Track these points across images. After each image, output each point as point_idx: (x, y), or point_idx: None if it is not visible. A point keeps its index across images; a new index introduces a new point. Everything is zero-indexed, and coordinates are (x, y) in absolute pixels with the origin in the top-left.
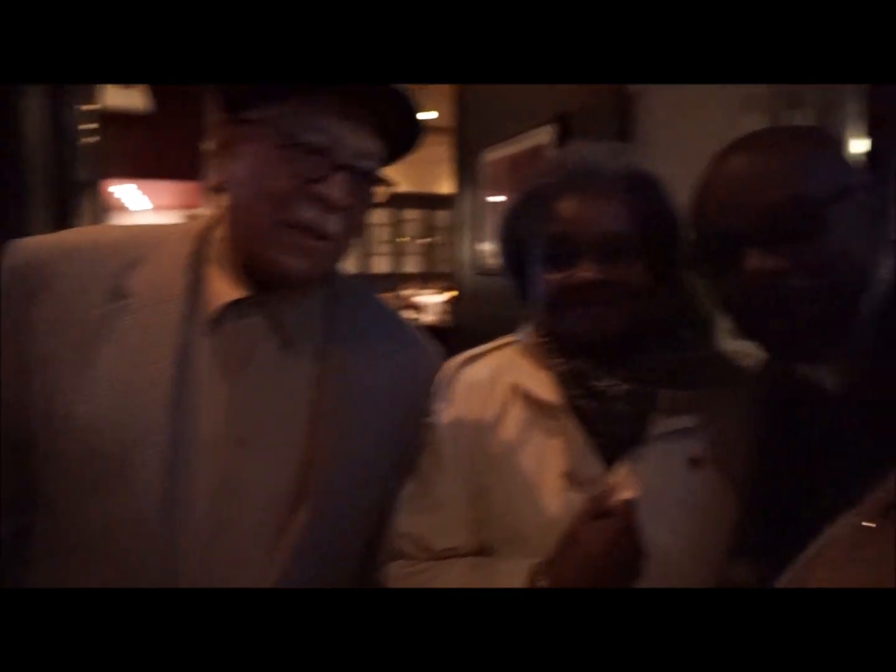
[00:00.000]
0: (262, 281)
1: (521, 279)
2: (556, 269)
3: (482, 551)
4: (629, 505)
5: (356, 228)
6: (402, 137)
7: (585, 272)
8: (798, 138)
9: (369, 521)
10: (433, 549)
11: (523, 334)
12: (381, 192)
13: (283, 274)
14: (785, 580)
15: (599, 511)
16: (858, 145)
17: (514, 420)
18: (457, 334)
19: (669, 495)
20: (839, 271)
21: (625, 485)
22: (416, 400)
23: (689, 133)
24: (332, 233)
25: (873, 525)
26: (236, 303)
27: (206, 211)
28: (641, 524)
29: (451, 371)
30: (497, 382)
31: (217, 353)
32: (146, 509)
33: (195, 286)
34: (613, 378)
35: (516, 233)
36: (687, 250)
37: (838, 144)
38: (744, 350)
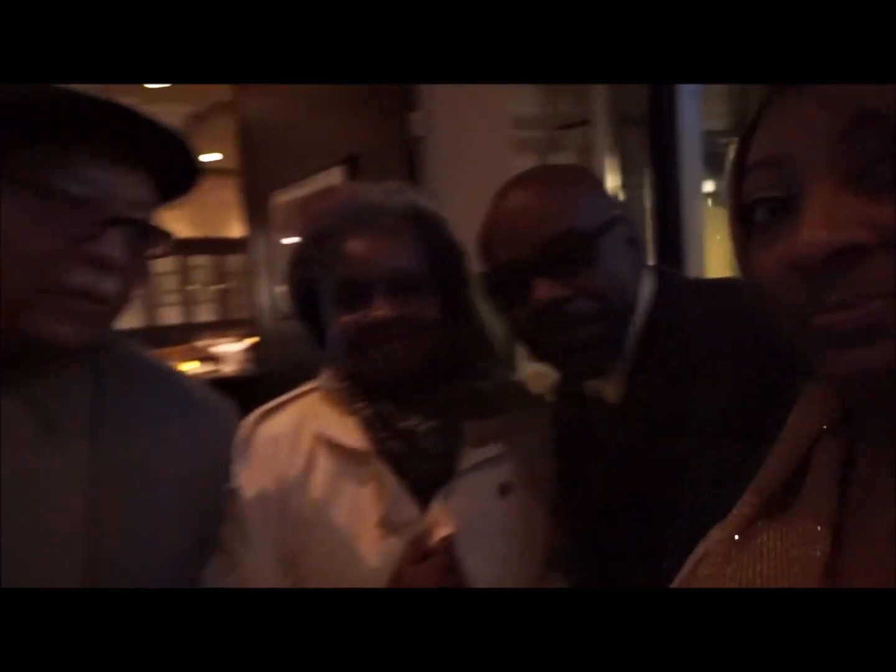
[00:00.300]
0: (8, 354)
1: (314, 323)
2: (350, 310)
3: None
4: (448, 542)
5: (134, 286)
6: (178, 180)
7: (379, 310)
8: (568, 176)
9: None
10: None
11: (322, 380)
12: (159, 244)
13: (47, 343)
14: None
15: (420, 554)
16: (611, 181)
17: (322, 473)
18: (261, 382)
19: (484, 525)
20: (612, 294)
21: (440, 522)
22: (213, 467)
23: (470, 173)
24: (110, 295)
25: (728, 536)
26: None
27: None
28: (462, 559)
29: (249, 428)
30: (300, 434)
31: None
32: None
33: None
34: (418, 416)
35: (305, 276)
36: (475, 283)
37: (601, 181)
38: (540, 373)
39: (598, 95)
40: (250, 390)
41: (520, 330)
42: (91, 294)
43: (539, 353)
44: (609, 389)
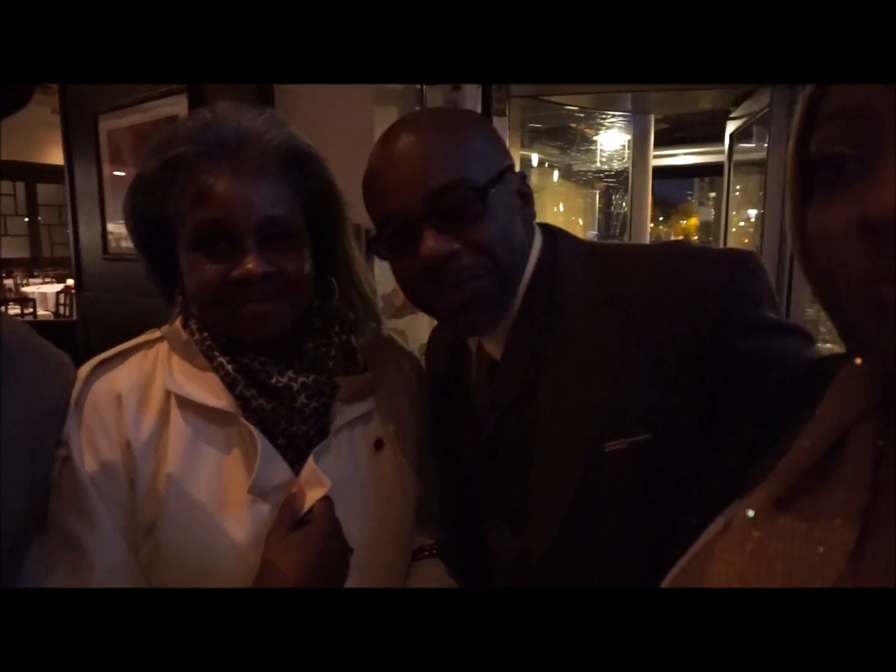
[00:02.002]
0: None
1: (159, 263)
2: (213, 258)
3: None
4: (326, 504)
5: None
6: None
7: (249, 264)
8: (460, 122)
9: None
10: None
11: (172, 330)
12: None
13: None
14: (672, 575)
15: (296, 518)
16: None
17: (177, 435)
18: (80, 329)
19: (359, 482)
20: (501, 250)
21: (315, 483)
22: (48, 428)
23: (327, 122)
24: None
25: (752, 514)
26: None
27: None
28: (339, 519)
29: (82, 384)
30: (146, 392)
31: None
32: None
33: None
34: (288, 372)
35: (151, 210)
36: (351, 232)
37: (493, 129)
38: (398, 330)
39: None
40: (68, 338)
41: (406, 282)
42: None
43: (424, 306)
44: (491, 345)
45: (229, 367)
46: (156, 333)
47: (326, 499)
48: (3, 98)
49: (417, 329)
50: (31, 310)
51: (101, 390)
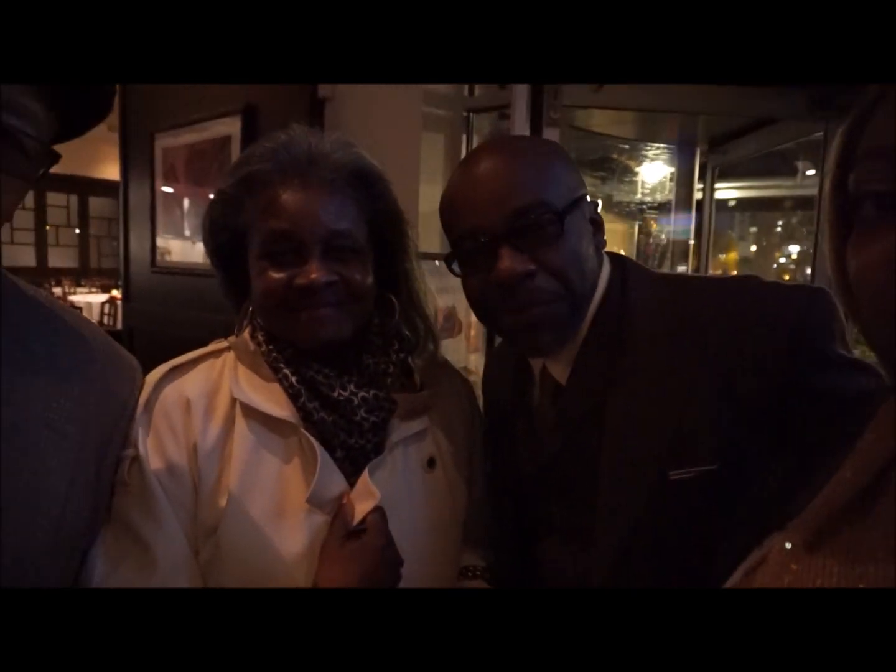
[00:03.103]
0: None
1: (231, 276)
2: (280, 267)
3: None
4: (379, 516)
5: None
6: (80, 106)
7: (314, 273)
8: (541, 148)
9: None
10: None
11: (239, 340)
12: (40, 163)
13: None
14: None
15: (349, 529)
16: None
17: (241, 443)
18: (124, 339)
19: (410, 499)
20: (573, 274)
21: (367, 495)
22: (114, 428)
23: (375, 145)
24: None
25: (790, 546)
26: None
27: None
28: (391, 532)
29: (152, 388)
30: (213, 399)
31: None
32: None
33: None
34: (348, 386)
35: (229, 222)
36: (414, 252)
37: (570, 158)
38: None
39: (518, 90)
40: None
41: (477, 298)
42: None
43: (492, 324)
44: (556, 368)
45: (293, 379)
46: (223, 343)
47: (380, 511)
48: (89, 109)
49: (454, 353)
50: None
51: (171, 395)
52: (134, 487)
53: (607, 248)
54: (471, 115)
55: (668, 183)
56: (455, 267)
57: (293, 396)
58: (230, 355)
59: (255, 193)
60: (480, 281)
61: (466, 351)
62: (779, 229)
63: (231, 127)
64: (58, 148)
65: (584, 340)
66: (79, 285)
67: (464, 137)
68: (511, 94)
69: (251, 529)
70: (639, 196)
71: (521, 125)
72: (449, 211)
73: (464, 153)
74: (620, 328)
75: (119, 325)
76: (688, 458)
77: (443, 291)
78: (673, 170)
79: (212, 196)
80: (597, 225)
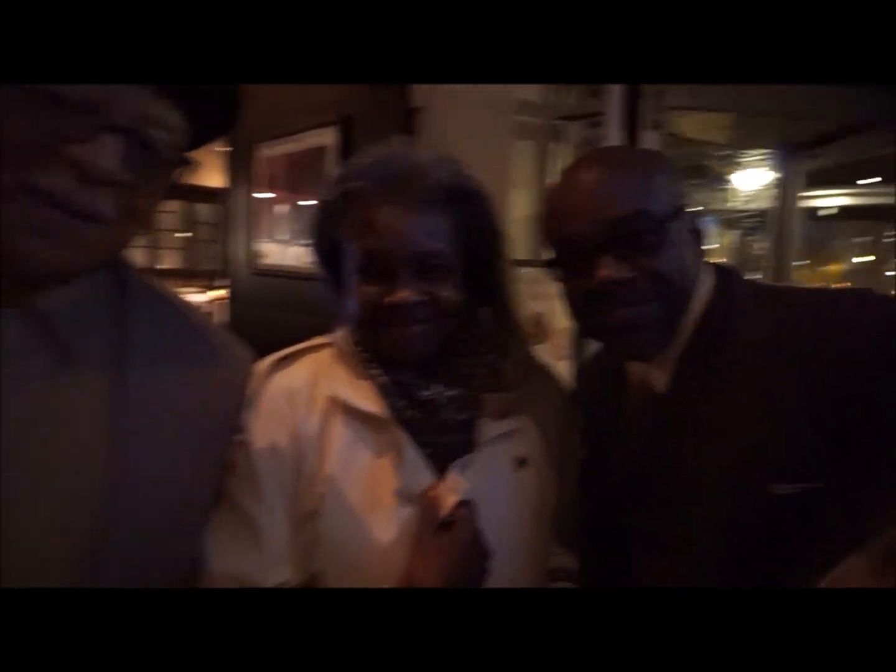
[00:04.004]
0: (12, 277)
1: (335, 280)
2: (372, 282)
3: (311, 582)
4: (469, 510)
5: (140, 213)
6: (212, 115)
7: (403, 292)
8: (644, 158)
9: (185, 565)
10: (261, 587)
11: (337, 338)
12: (176, 169)
13: (26, 262)
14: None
15: (437, 522)
16: None
17: (338, 436)
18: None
19: (498, 498)
20: (672, 281)
21: (453, 491)
22: (232, 415)
23: (467, 153)
24: (89, 211)
25: (867, 563)
26: None
27: None
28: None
29: (261, 377)
30: (314, 392)
31: None
32: None
33: None
34: (437, 386)
35: (329, 235)
36: (510, 268)
37: (672, 169)
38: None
39: (612, 93)
40: None
41: (574, 302)
42: (64, 202)
43: (591, 329)
44: (654, 375)
45: (384, 379)
46: (325, 339)
47: (469, 504)
48: (220, 117)
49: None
50: None
51: (277, 385)
52: (241, 470)
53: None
54: (561, 123)
55: (766, 191)
56: (553, 272)
57: (383, 394)
58: (329, 351)
59: (352, 208)
60: (579, 285)
61: (553, 358)
62: (893, 238)
63: (327, 137)
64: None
65: (685, 348)
66: (184, 285)
67: (554, 146)
68: (604, 100)
69: (346, 519)
70: (735, 204)
71: (614, 131)
72: (550, 217)
73: (554, 161)
74: (723, 338)
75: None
76: (791, 473)
77: (531, 298)
78: (773, 176)
79: (314, 202)
80: (696, 235)
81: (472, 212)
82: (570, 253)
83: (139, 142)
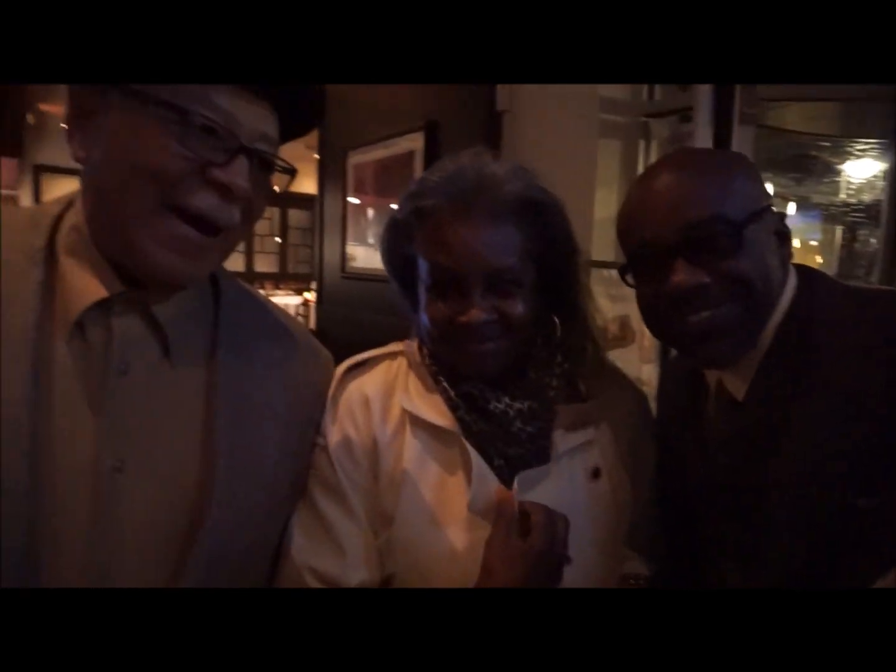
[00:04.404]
0: (132, 278)
1: (408, 291)
2: (443, 300)
3: (386, 581)
4: (545, 518)
5: (250, 222)
6: (301, 117)
7: (474, 310)
8: (722, 161)
9: (271, 553)
10: (344, 587)
11: (410, 347)
12: (280, 181)
13: (160, 273)
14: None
15: (517, 529)
16: None
17: (410, 447)
18: (319, 338)
19: (574, 508)
20: (753, 286)
21: (529, 498)
22: (311, 412)
23: (552, 154)
24: (227, 226)
25: None
26: (103, 302)
27: (15, 192)
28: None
29: (338, 382)
30: (387, 403)
31: (83, 363)
32: (6, 559)
33: (48, 284)
34: (507, 398)
35: (402, 250)
36: (584, 280)
37: (755, 170)
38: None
39: (702, 87)
40: None
41: (649, 308)
42: (210, 220)
43: (667, 335)
44: (733, 382)
45: (452, 392)
46: (399, 346)
47: (546, 511)
48: (307, 112)
49: (626, 363)
50: None
51: (353, 392)
52: (321, 473)
53: (805, 256)
54: (649, 120)
55: (878, 182)
56: (629, 278)
57: (452, 408)
58: (402, 360)
59: (423, 224)
60: (654, 292)
61: (639, 361)
62: None
63: (415, 142)
64: None
65: (766, 354)
66: (277, 288)
67: (642, 143)
68: (693, 95)
69: (419, 527)
70: (842, 197)
71: (704, 126)
72: (625, 223)
73: (641, 159)
74: (806, 344)
75: (312, 325)
76: (877, 485)
77: (617, 300)
78: (885, 166)
79: (391, 209)
80: (782, 237)
81: (544, 223)
82: (644, 258)
83: (259, 158)
